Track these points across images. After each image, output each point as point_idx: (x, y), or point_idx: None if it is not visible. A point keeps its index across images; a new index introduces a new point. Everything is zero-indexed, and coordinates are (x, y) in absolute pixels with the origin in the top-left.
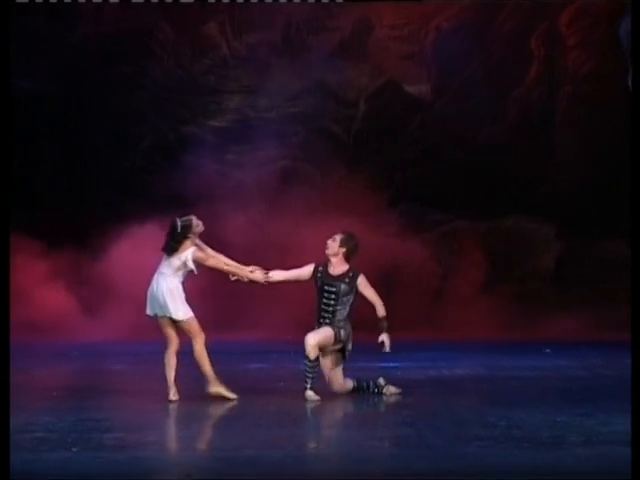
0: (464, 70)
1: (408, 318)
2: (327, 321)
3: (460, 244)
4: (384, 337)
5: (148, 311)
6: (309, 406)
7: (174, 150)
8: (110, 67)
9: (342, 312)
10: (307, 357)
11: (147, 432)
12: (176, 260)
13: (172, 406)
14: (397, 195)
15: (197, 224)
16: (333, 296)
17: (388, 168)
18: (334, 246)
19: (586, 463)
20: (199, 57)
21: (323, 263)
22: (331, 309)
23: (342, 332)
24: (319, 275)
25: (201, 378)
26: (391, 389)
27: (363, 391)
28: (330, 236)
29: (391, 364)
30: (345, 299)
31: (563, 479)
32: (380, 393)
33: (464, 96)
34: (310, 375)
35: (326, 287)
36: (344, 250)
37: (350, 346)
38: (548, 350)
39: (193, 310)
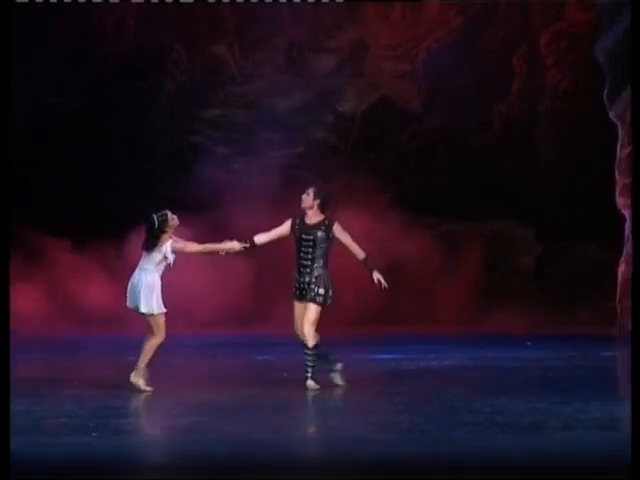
0: (452, 87)
1: (402, 313)
2: (307, 270)
3: (451, 245)
4: (377, 275)
5: (127, 303)
6: (310, 395)
7: (186, 159)
8: (128, 83)
9: (320, 260)
10: (306, 347)
11: (160, 418)
12: (157, 254)
13: (185, 394)
14: (392, 200)
15: (172, 218)
16: (311, 244)
17: (383, 175)
18: (309, 199)
19: (565, 447)
20: (209, 74)
21: (300, 216)
22: (310, 256)
23: (322, 293)
24: (297, 227)
25: (213, 370)
26: (336, 378)
27: (322, 357)
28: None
29: (385, 356)
30: (322, 246)
31: (543, 462)
32: (329, 370)
33: (452, 110)
34: (310, 364)
35: (304, 236)
36: (318, 201)
37: (331, 292)
38: (529, 343)
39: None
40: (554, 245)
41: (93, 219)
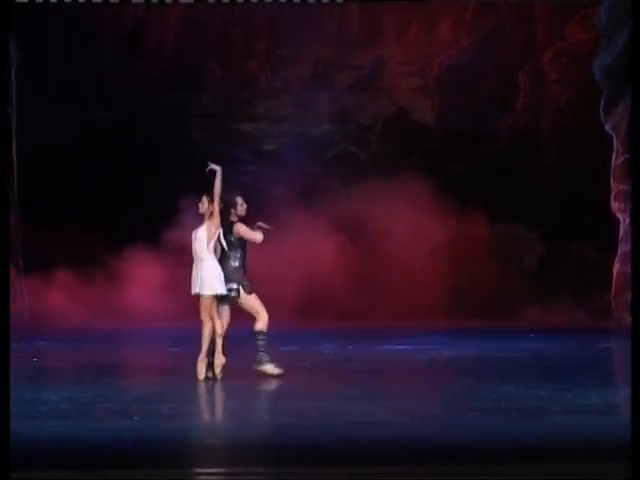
0: (462, 101)
1: (415, 308)
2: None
3: (461, 245)
4: None
5: (224, 291)
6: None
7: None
8: (167, 97)
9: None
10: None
11: (197, 404)
12: (212, 244)
13: (219, 382)
14: (407, 203)
15: None
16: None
17: (400, 182)
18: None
19: (566, 430)
20: (241, 90)
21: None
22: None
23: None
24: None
25: (243, 357)
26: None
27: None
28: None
29: (398, 347)
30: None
31: (545, 444)
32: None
33: (462, 122)
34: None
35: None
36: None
37: None
38: (532, 335)
39: None
40: (555, 245)
41: (134, 219)
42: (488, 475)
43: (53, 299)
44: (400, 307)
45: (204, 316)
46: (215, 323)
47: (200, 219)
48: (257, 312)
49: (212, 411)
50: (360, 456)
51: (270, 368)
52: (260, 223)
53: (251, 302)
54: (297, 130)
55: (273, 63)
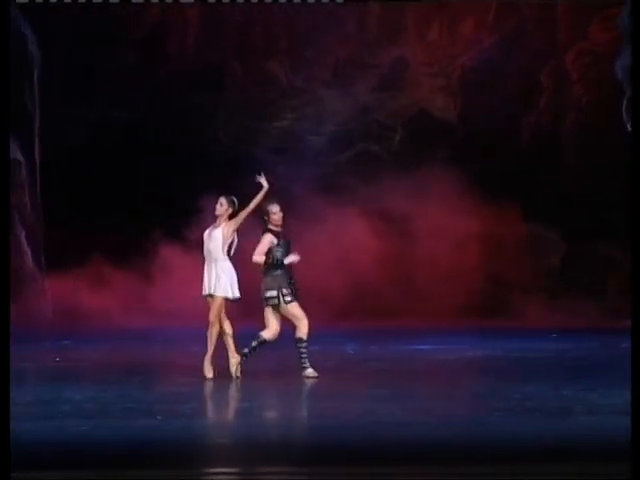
0: (485, 100)
1: (438, 307)
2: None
3: (483, 245)
4: None
5: (238, 294)
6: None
7: (242, 166)
8: (188, 97)
9: None
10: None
11: (218, 403)
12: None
13: (239, 381)
14: (429, 204)
15: None
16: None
17: (422, 182)
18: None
19: (589, 430)
20: (262, 89)
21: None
22: None
23: None
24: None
25: (264, 358)
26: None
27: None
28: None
29: (421, 347)
30: None
31: (569, 443)
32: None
33: (484, 122)
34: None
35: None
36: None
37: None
38: (554, 335)
39: None
40: (578, 245)
41: (158, 218)
42: (512, 475)
43: (76, 298)
44: (422, 307)
45: (213, 317)
46: (224, 324)
47: (214, 219)
48: (297, 320)
49: (235, 411)
50: (384, 456)
51: (310, 372)
52: (290, 257)
53: (292, 310)
54: (318, 129)
55: (294, 62)
